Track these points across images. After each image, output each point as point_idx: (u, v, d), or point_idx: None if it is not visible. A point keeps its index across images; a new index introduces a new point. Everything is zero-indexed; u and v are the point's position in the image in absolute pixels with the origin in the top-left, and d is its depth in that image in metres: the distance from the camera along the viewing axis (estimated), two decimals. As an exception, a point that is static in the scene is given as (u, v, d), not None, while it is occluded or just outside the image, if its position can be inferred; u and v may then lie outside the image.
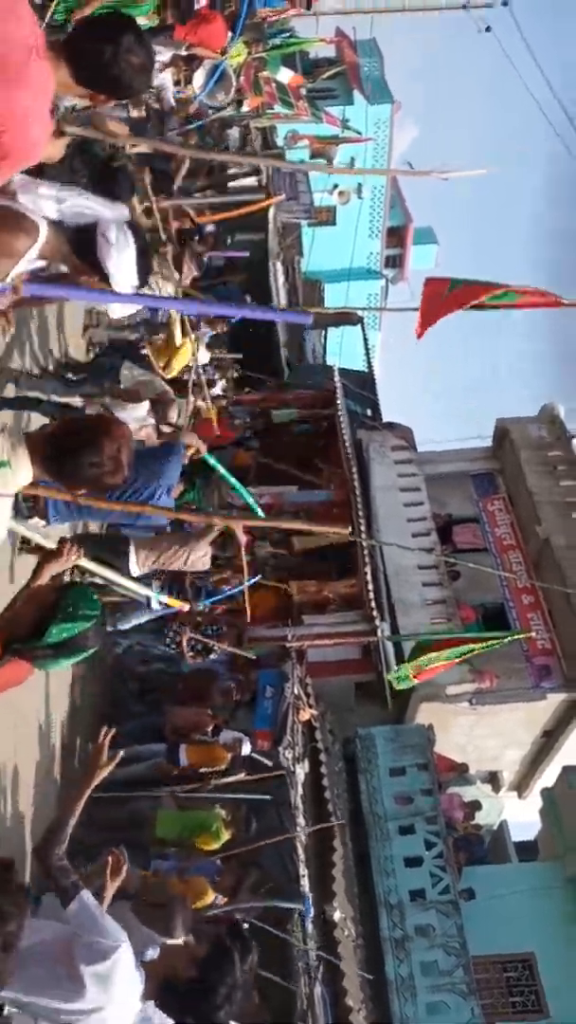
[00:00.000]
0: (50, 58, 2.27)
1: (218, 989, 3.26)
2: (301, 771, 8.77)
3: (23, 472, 2.54)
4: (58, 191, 2.85)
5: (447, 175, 6.75)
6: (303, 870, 7.57)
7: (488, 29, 20.26)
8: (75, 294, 3.23)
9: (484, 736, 13.25)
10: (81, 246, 2.82)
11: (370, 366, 18.21)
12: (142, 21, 6.93)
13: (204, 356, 9.38)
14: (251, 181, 16.02)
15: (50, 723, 6.60)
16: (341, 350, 21.39)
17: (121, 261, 2.82)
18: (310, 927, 7.37)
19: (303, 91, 14.66)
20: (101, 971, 2.92)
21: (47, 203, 2.78)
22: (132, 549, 5.72)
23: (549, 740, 13.67)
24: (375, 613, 11.54)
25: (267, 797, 7.39)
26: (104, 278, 2.86)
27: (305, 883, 7.52)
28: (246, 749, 6.90)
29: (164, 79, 8.52)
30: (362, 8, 20.41)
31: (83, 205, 2.89)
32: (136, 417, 6.11)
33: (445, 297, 7.42)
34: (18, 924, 2.41)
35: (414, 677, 8.29)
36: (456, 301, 7.24)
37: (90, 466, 2.53)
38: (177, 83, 8.92)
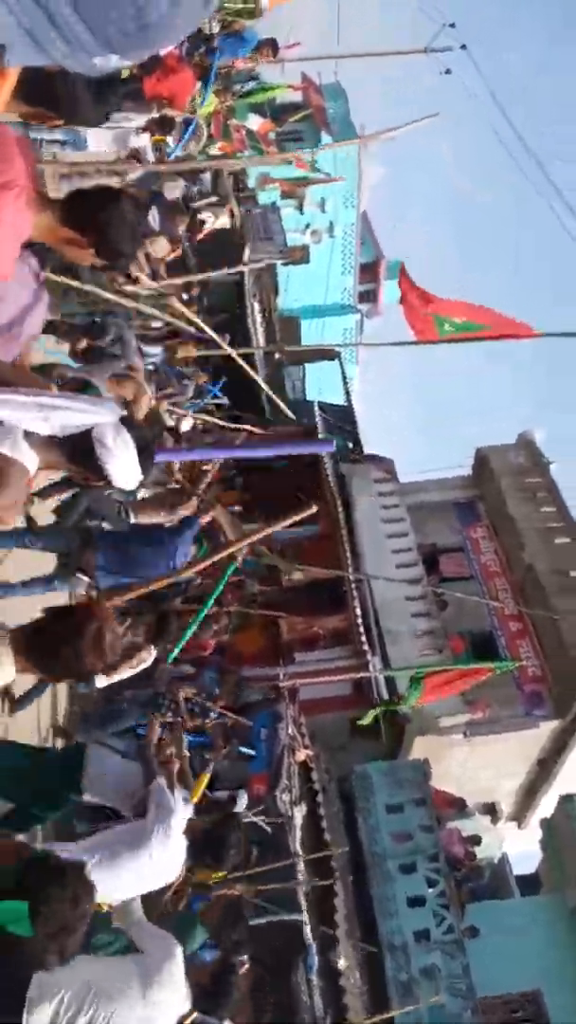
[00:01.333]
0: (36, 204, 2.38)
1: None
2: (299, 814, 8.64)
3: (6, 670, 2.52)
4: (37, 399, 2.63)
5: (395, 133, 7.35)
6: (305, 918, 7.42)
7: (448, 71, 20.83)
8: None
9: (479, 767, 13.16)
10: (78, 452, 2.74)
11: (349, 399, 18.37)
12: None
13: (186, 424, 9.44)
14: (224, 223, 16.27)
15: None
16: (320, 384, 21.57)
17: (122, 465, 2.77)
18: (315, 978, 7.20)
19: (272, 136, 14.95)
20: None
21: (32, 418, 2.60)
22: None
23: (544, 768, 13.60)
24: (366, 647, 11.50)
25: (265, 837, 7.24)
26: (106, 480, 2.81)
27: (308, 932, 7.37)
28: (242, 804, 6.75)
29: (143, 142, 8.63)
30: (327, 53, 20.93)
31: (72, 419, 2.69)
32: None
33: (424, 315, 7.75)
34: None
35: (420, 701, 8.35)
36: (437, 305, 7.59)
37: (74, 659, 2.53)
38: (156, 147, 9.08)
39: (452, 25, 18.85)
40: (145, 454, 2.84)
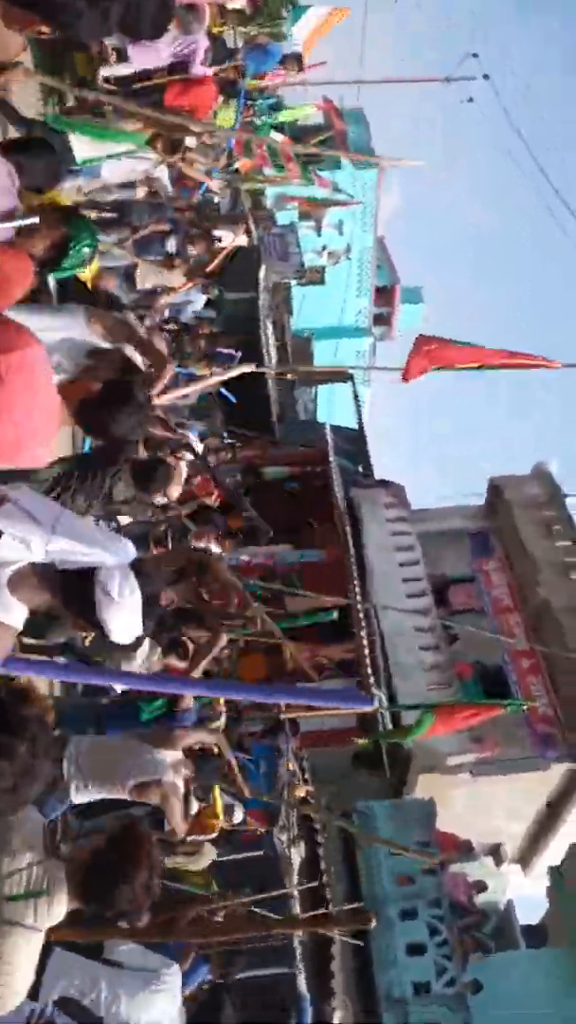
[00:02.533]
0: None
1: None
2: (297, 855, 8.21)
3: (60, 907, 2.29)
4: (50, 514, 2.37)
5: (394, 163, 7.33)
6: (300, 968, 6.98)
7: (471, 100, 20.81)
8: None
9: (485, 808, 12.68)
10: (72, 594, 2.42)
11: (361, 423, 18.10)
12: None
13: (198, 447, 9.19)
14: (241, 241, 16.13)
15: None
16: (331, 406, 21.35)
17: (122, 617, 2.44)
18: (309, 1033, 6.75)
19: (293, 154, 14.80)
20: None
21: (36, 540, 2.31)
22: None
23: (553, 812, 13.11)
24: (372, 680, 11.10)
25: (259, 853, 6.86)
26: (100, 630, 2.47)
27: (302, 983, 6.93)
28: (238, 817, 6.38)
29: (162, 174, 8.53)
30: (350, 78, 20.98)
31: (78, 552, 2.38)
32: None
33: (431, 351, 7.41)
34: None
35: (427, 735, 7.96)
36: (442, 357, 7.23)
37: (126, 902, 2.33)
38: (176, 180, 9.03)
39: (475, 55, 18.75)
40: (150, 605, 2.50)
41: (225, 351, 13.09)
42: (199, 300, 11.43)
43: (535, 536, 14.86)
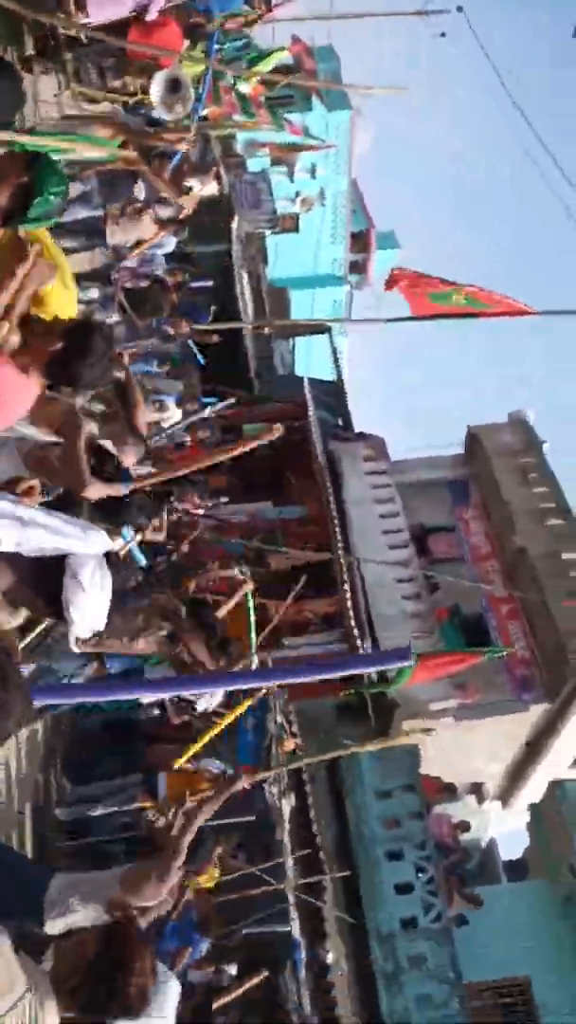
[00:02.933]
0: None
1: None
2: (287, 805, 8.48)
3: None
4: (17, 511, 2.33)
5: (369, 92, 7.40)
6: (293, 914, 7.29)
7: (443, 35, 20.21)
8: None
9: (467, 750, 13.09)
10: (42, 580, 2.38)
11: (339, 375, 18.02)
12: None
13: (176, 414, 9.08)
14: (212, 190, 15.74)
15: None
16: (309, 359, 21.17)
17: (88, 605, 2.41)
18: (303, 973, 7.08)
19: (263, 100, 14.40)
20: None
21: (6, 527, 2.29)
22: None
23: (532, 750, 13.56)
24: (356, 632, 11.31)
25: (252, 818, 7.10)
26: (62, 618, 2.43)
27: (295, 928, 7.24)
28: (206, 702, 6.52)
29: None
30: (319, 14, 20.21)
31: (49, 542, 2.35)
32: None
33: (418, 294, 7.48)
34: None
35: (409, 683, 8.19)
36: (419, 281, 7.31)
37: (123, 997, 2.10)
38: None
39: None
40: (122, 598, 2.51)
41: (198, 306, 12.92)
42: (170, 243, 11.16)
43: (512, 483, 15.02)
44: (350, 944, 8.83)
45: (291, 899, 7.35)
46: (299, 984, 6.94)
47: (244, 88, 11.90)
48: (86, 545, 2.47)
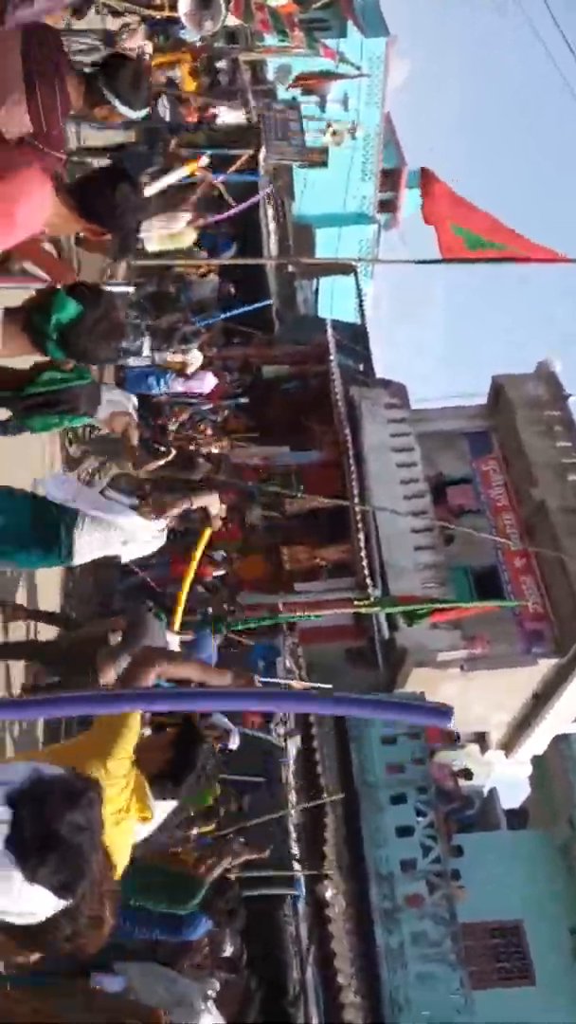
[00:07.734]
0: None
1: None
2: (293, 746, 8.58)
3: None
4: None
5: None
6: (295, 849, 7.42)
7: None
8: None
9: (473, 700, 13.17)
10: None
11: (363, 319, 17.61)
12: None
13: (198, 358, 8.85)
14: (240, 118, 15.18)
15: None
16: (332, 300, 20.69)
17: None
18: (302, 908, 7.25)
19: (297, 20, 13.71)
20: None
21: None
22: None
23: (538, 703, 13.63)
24: (368, 580, 11.28)
25: (260, 779, 7.17)
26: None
27: (297, 865, 7.38)
28: (234, 743, 6.60)
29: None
30: None
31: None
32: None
33: (449, 226, 7.17)
34: None
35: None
36: (458, 214, 7.00)
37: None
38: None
39: None
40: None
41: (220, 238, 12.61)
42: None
43: (535, 436, 14.74)
44: (349, 881, 9.04)
45: (293, 834, 7.48)
46: (297, 918, 7.11)
47: (276, 3, 11.28)
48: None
